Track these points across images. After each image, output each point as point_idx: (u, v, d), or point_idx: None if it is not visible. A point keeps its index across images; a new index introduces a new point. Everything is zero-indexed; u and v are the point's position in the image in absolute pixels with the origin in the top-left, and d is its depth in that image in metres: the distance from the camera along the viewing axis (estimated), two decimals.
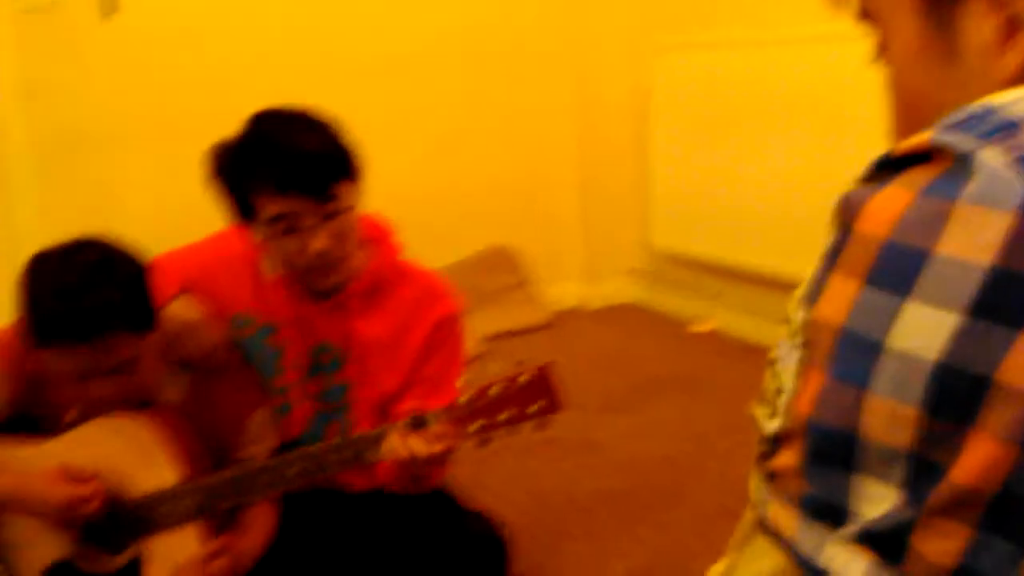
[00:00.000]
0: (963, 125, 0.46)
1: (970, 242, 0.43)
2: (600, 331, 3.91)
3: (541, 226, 4.13)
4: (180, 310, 1.63)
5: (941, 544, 0.45)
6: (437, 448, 1.45)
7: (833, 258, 0.48)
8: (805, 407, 0.49)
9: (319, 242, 1.54)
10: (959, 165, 0.44)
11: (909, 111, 0.56)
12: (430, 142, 3.84)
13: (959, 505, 0.44)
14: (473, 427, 1.45)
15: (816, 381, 0.48)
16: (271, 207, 1.52)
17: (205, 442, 1.62)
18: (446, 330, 1.70)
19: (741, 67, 3.32)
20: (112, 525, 1.51)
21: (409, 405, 1.54)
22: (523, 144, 4.02)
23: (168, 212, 3.23)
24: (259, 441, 1.66)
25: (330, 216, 1.54)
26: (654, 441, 2.82)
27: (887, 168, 0.47)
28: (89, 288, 1.41)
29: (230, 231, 1.71)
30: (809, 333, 0.49)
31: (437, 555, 1.66)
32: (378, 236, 1.72)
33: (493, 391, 1.45)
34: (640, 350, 3.65)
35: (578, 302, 4.20)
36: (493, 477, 2.63)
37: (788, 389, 0.50)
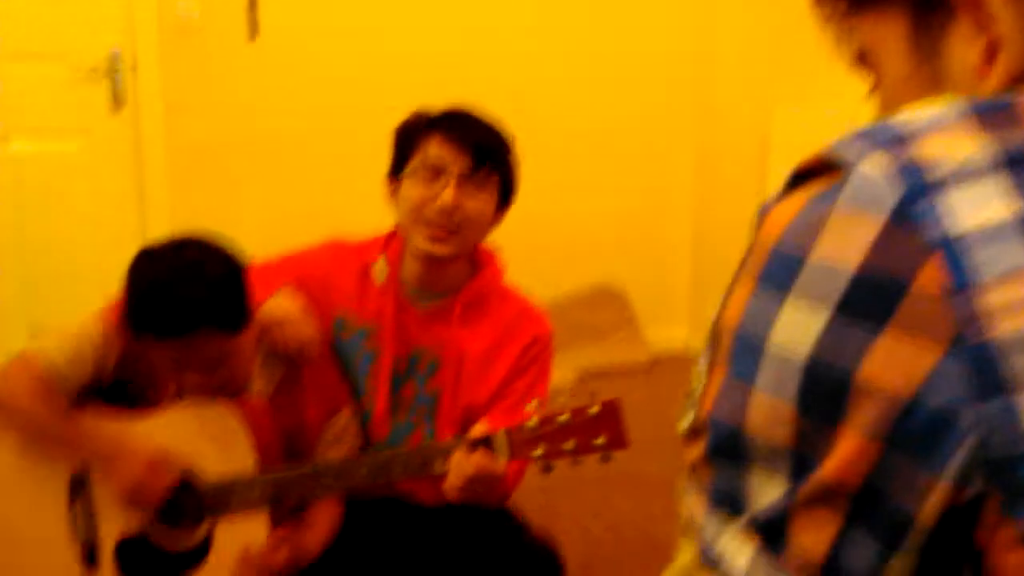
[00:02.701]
0: (858, 138, 0.49)
1: (840, 246, 0.45)
2: None
3: (651, 267, 4.12)
4: (278, 303, 1.68)
5: (812, 535, 0.46)
6: (501, 468, 1.48)
7: (741, 264, 0.51)
8: (708, 403, 0.51)
9: (449, 196, 1.63)
10: (844, 175, 0.47)
11: None
12: (546, 173, 3.89)
13: (827, 498, 0.46)
14: (537, 451, 1.47)
15: (718, 379, 0.51)
16: (433, 150, 1.66)
17: (285, 437, 1.67)
18: (538, 349, 1.74)
19: (860, 119, 3.26)
20: (185, 506, 1.57)
21: (488, 420, 1.57)
22: (640, 182, 4.04)
23: (291, 227, 3.38)
24: (337, 444, 1.70)
25: (472, 183, 1.65)
26: None
27: (801, 180, 0.50)
28: (180, 287, 1.46)
29: (344, 240, 1.81)
30: (715, 334, 0.51)
31: (493, 571, 1.67)
32: (485, 257, 1.80)
33: (561, 419, 1.47)
34: None
35: (683, 347, 4.17)
36: (574, 507, 2.63)
37: (700, 385, 0.53)
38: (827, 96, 3.52)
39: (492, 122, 1.72)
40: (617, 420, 1.47)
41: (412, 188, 1.66)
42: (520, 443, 1.48)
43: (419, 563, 1.70)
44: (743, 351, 0.49)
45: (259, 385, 1.67)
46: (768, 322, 0.48)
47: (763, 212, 0.51)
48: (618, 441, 1.47)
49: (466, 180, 1.64)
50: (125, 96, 3.33)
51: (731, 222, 4.14)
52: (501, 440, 1.48)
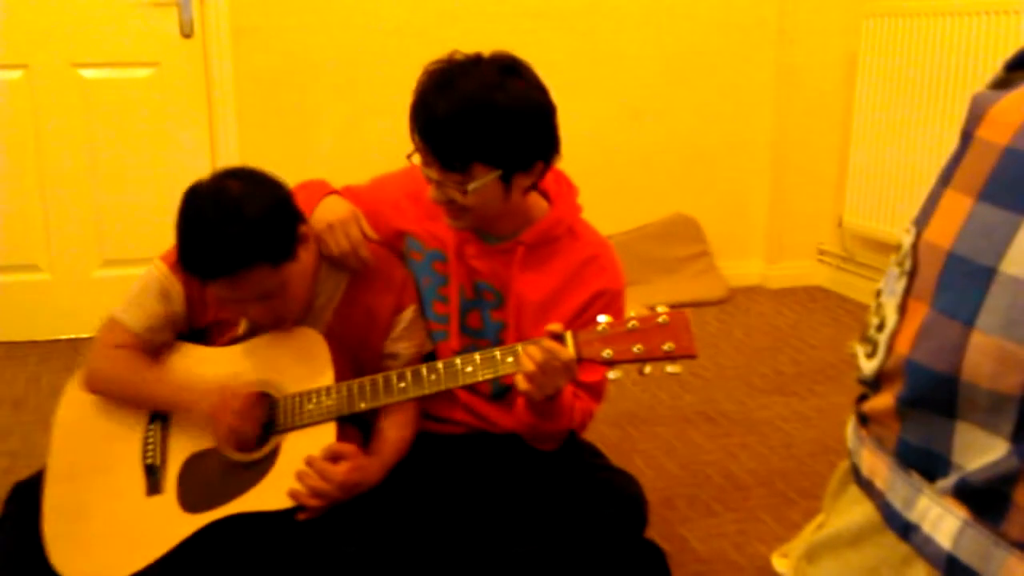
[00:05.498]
0: None
1: None
2: (778, 311, 3.76)
3: (728, 197, 3.99)
4: (323, 210, 1.69)
5: None
6: (569, 354, 1.47)
7: (949, 172, 0.40)
8: (905, 344, 0.41)
9: (432, 195, 1.61)
10: None
11: None
12: (622, 102, 3.78)
13: None
14: (606, 352, 1.48)
15: (919, 314, 0.41)
16: (414, 144, 1.61)
17: (355, 343, 1.69)
18: (604, 302, 1.67)
19: (956, 35, 3.08)
20: (258, 419, 1.61)
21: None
22: (717, 107, 3.89)
23: (358, 153, 3.33)
24: (407, 338, 1.71)
25: (452, 179, 1.56)
26: (818, 427, 2.69)
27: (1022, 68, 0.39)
28: (220, 228, 1.48)
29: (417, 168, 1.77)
30: (916, 259, 0.41)
31: (572, 504, 1.63)
32: (561, 192, 1.72)
33: (630, 324, 1.48)
34: (816, 335, 3.48)
35: (760, 280, 4.05)
36: (650, 444, 2.58)
37: (890, 324, 0.42)
38: (918, 14, 3.33)
39: (472, 100, 1.52)
40: (685, 329, 1.48)
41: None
42: (588, 343, 1.49)
43: (495, 492, 1.67)
44: (959, 280, 0.39)
45: (324, 298, 1.69)
46: (1000, 244, 0.37)
47: (980, 106, 0.39)
48: (685, 349, 1.47)
49: (444, 179, 1.57)
50: (194, 24, 3.30)
51: (813, 147, 3.99)
52: (569, 339, 1.49)
